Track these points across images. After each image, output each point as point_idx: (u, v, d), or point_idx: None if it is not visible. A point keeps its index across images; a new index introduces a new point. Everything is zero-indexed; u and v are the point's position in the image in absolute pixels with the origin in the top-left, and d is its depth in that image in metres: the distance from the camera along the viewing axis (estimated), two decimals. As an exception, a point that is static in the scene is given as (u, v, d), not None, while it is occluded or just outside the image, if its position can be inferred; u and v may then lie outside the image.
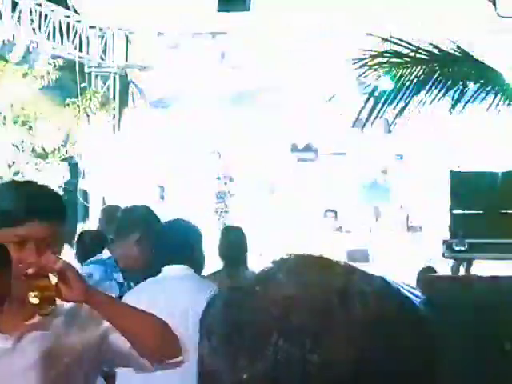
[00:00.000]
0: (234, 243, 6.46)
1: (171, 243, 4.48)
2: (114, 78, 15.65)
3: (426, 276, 6.17)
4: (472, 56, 7.22)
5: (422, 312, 0.96)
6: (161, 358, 2.73)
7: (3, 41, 12.58)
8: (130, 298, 4.22)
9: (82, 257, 5.86)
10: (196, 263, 4.56)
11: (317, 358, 0.89)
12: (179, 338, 2.75)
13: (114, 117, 15.50)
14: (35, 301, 2.58)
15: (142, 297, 4.15)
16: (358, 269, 1.00)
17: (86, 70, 15.21)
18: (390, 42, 7.54)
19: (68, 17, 14.28)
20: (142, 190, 14.25)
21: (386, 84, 6.81)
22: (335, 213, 13.86)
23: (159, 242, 4.59)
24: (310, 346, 0.89)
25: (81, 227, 12.14)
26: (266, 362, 0.89)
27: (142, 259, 4.94)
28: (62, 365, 2.76)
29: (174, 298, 4.25)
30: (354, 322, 0.91)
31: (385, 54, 6.90)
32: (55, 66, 14.03)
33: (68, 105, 14.68)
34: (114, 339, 2.76)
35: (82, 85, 14.87)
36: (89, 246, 5.97)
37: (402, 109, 6.66)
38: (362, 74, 6.86)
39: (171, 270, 4.43)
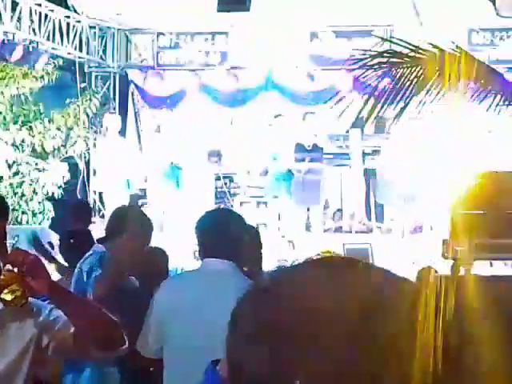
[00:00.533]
0: (248, 243, 6.25)
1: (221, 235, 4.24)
2: (114, 78, 15.65)
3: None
4: (472, 56, 7.21)
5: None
6: (110, 347, 2.86)
7: (3, 41, 12.57)
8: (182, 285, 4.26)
9: (74, 255, 5.86)
10: (239, 259, 4.30)
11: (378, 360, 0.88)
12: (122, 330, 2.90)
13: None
14: (9, 297, 2.61)
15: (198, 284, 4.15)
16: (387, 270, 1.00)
17: (86, 69, 15.21)
18: (390, 41, 7.54)
19: (68, 17, 14.27)
20: (142, 189, 14.25)
21: (386, 84, 6.80)
22: (341, 211, 13.87)
23: (209, 232, 4.30)
24: (361, 349, 0.88)
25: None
26: (319, 363, 0.88)
27: (135, 257, 4.98)
28: (5, 363, 2.82)
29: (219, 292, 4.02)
30: (397, 321, 0.90)
31: (385, 54, 6.89)
32: (55, 66, 14.03)
33: (68, 105, 14.68)
34: (54, 332, 2.85)
35: (82, 85, 14.87)
36: (80, 244, 6.01)
37: (402, 109, 6.65)
38: (362, 74, 6.85)
39: (213, 264, 4.20)
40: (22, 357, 2.85)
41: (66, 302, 2.77)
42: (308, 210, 13.41)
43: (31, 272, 2.61)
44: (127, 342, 2.89)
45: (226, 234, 4.24)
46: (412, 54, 6.76)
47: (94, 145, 14.62)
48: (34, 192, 14.01)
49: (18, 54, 12.66)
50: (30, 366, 2.88)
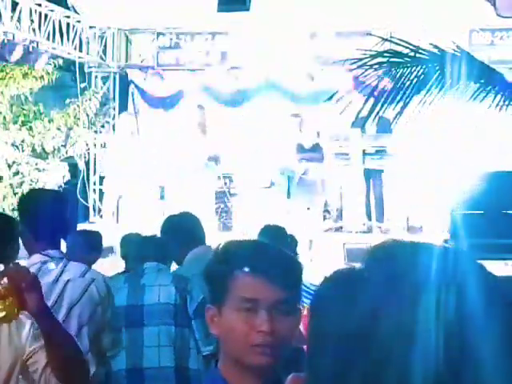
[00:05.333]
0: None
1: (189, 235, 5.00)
2: (114, 78, 15.65)
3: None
4: (472, 56, 7.21)
5: None
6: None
7: (3, 41, 12.57)
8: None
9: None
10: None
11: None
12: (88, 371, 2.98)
13: (114, 117, 15.50)
14: (2, 312, 2.59)
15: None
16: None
17: (86, 69, 15.21)
18: (390, 41, 7.54)
19: (68, 17, 14.28)
20: (142, 189, 14.25)
21: (386, 84, 6.80)
22: (329, 212, 13.87)
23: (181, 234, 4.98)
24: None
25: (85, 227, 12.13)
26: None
27: None
28: None
29: None
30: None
31: (385, 54, 6.89)
32: (55, 66, 14.03)
33: (68, 105, 14.68)
34: (32, 349, 2.85)
35: (82, 85, 14.87)
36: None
37: (402, 109, 6.65)
38: (362, 73, 6.85)
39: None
40: (13, 368, 2.86)
41: (51, 327, 2.72)
42: (308, 209, 13.41)
43: (28, 289, 2.60)
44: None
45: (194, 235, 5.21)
46: (412, 54, 6.76)
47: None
48: (34, 192, 14.00)
49: (17, 53, 12.65)
50: (17, 378, 2.89)
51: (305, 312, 2.09)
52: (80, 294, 3.78)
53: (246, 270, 1.97)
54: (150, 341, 4.50)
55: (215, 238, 6.67)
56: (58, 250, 3.91)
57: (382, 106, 6.64)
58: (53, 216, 3.82)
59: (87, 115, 14.72)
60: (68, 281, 3.80)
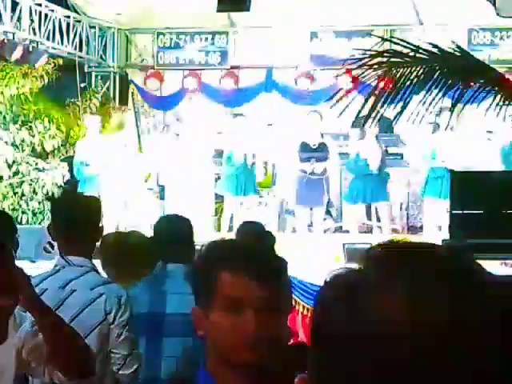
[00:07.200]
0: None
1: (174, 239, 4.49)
2: (114, 78, 15.65)
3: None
4: (472, 56, 7.21)
5: None
6: (77, 375, 2.82)
7: (3, 41, 12.57)
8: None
9: None
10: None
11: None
12: (93, 358, 2.92)
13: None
14: None
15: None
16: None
17: (86, 69, 15.21)
18: (390, 41, 7.55)
19: (68, 17, 14.27)
20: (143, 189, 14.24)
21: (386, 84, 6.80)
22: (329, 212, 13.85)
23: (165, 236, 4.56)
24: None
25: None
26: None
27: None
28: None
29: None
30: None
31: (385, 54, 6.89)
32: (55, 66, 14.02)
33: (68, 105, 14.68)
34: (32, 346, 2.85)
35: (82, 85, 14.86)
36: None
37: (402, 109, 6.65)
38: (362, 73, 6.86)
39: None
40: (9, 367, 2.85)
41: (45, 321, 2.72)
42: (311, 209, 13.40)
43: (15, 283, 2.59)
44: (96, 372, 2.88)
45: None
46: (412, 53, 6.76)
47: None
48: (34, 192, 14.00)
49: (17, 53, 12.65)
50: (14, 378, 2.88)
51: (304, 311, 2.09)
52: (81, 308, 3.70)
53: (230, 269, 1.98)
54: (169, 351, 4.39)
55: (215, 238, 6.65)
56: (83, 256, 3.82)
57: (382, 105, 6.64)
58: (75, 222, 3.78)
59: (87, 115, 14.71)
60: (74, 291, 3.73)
